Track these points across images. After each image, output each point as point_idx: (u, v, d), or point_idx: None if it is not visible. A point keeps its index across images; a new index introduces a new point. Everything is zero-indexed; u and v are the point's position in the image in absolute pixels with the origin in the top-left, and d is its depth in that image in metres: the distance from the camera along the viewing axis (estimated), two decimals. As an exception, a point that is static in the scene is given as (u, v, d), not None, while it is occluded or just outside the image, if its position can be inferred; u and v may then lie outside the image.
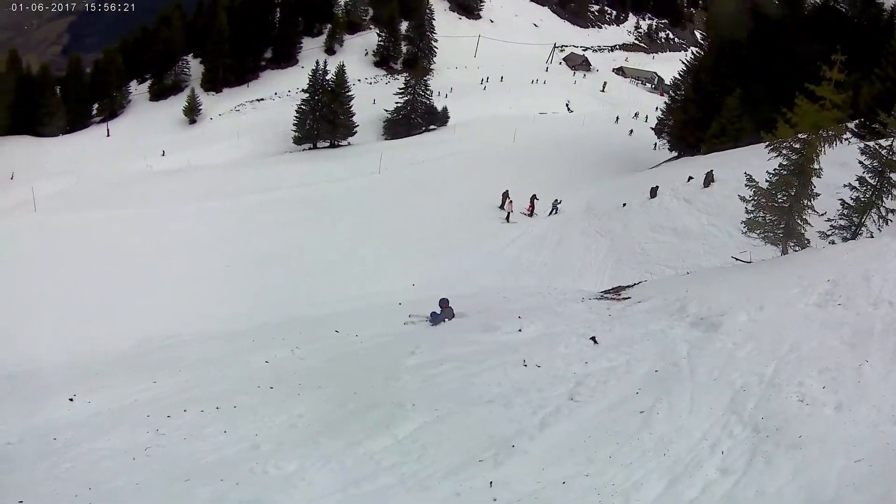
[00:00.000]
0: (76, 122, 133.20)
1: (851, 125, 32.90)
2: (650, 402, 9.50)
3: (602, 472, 7.91)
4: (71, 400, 11.56)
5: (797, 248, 21.65)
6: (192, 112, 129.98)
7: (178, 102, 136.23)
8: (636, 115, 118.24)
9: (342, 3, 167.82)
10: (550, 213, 49.07)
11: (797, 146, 20.87)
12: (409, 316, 18.90)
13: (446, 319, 16.92)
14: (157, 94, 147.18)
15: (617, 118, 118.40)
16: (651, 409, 9.27)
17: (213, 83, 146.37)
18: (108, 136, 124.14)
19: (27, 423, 10.61)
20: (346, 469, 8.67)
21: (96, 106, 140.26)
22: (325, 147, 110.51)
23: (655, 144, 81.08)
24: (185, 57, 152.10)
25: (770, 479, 7.18)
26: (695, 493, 7.24)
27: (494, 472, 8.12)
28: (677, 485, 7.46)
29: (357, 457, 8.98)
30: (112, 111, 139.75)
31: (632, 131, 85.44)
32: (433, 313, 18.60)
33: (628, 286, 21.68)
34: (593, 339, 12.75)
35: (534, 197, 50.78)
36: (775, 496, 6.85)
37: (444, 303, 18.13)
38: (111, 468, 9.06)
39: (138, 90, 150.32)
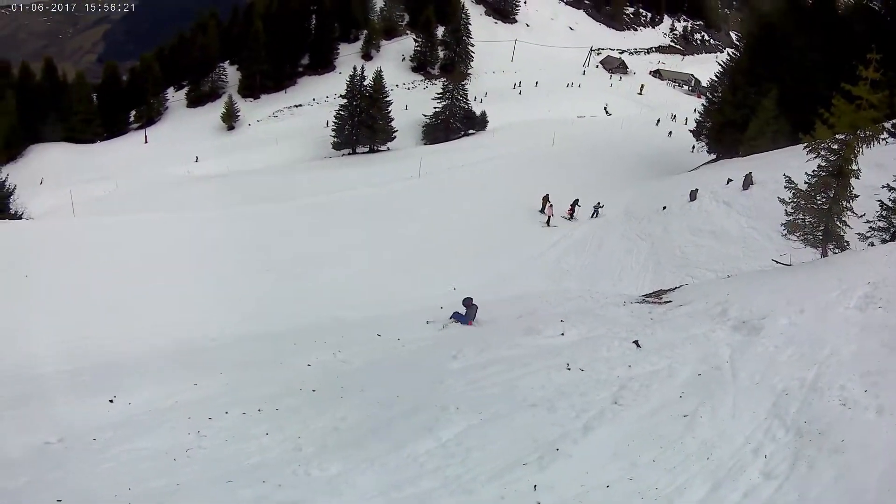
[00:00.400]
0: (114, 128, 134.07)
1: (888, 125, 32.69)
2: (693, 406, 9.56)
3: (645, 476, 7.99)
4: (111, 401, 11.71)
5: (836, 251, 21.54)
6: (230, 118, 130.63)
7: (216, 109, 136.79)
8: (674, 116, 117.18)
9: (378, 8, 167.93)
10: (592, 216, 49.03)
11: (835, 147, 20.79)
12: (427, 322, 18.87)
13: (472, 319, 16.93)
14: (195, 101, 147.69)
15: (658, 121, 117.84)
16: (694, 413, 9.34)
17: (251, 89, 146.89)
18: (146, 142, 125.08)
19: (68, 422, 10.72)
20: (388, 471, 8.78)
21: (133, 113, 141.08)
22: (364, 152, 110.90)
23: (693, 147, 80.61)
24: (221, 64, 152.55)
25: (812, 484, 7.24)
26: (737, 497, 7.31)
27: (538, 476, 8.19)
28: (720, 489, 7.53)
29: (400, 459, 9.08)
30: (149, 118, 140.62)
31: (671, 133, 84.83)
32: (455, 313, 18.75)
33: (669, 290, 21.71)
34: (636, 342, 12.84)
35: (575, 202, 50.74)
36: (817, 501, 6.90)
37: (467, 301, 18.21)
38: (151, 468, 9.21)
39: (175, 97, 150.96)
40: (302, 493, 8.30)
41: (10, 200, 51.20)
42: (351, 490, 8.37)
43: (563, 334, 14.48)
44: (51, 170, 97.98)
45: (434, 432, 9.79)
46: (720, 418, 9.12)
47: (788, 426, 8.55)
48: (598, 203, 49.77)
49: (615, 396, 10.32)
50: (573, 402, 10.29)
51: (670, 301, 18.05)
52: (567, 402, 10.32)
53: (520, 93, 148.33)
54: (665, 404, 9.92)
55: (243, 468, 9.19)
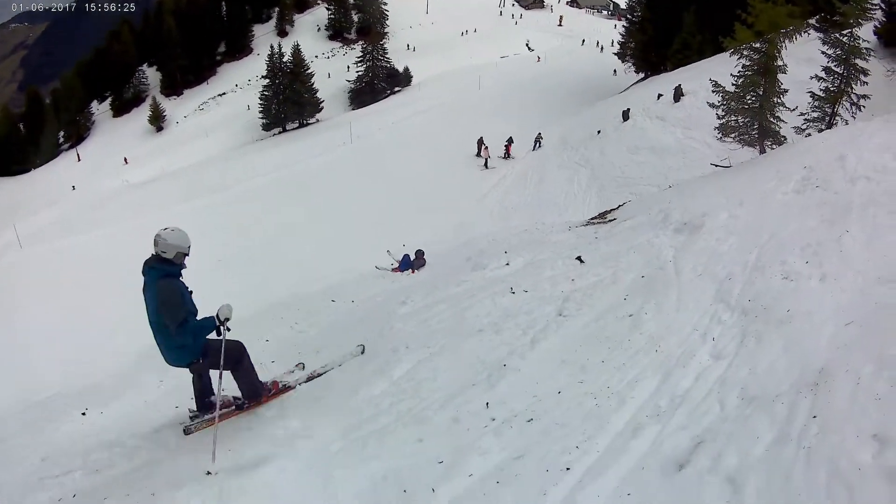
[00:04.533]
0: (46, 153, 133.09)
1: (812, 21, 32.90)
2: (638, 306, 9.56)
3: (596, 377, 7.97)
4: (83, 414, 11.59)
5: (774, 146, 21.74)
6: (158, 120, 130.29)
7: (142, 114, 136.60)
8: (601, 47, 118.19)
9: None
10: (535, 148, 49.96)
11: (758, 45, 20.90)
12: (376, 268, 18.97)
13: (415, 268, 16.88)
14: (120, 110, 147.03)
15: (583, 41, 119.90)
16: (639, 312, 9.33)
17: (173, 87, 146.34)
18: (79, 160, 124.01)
19: (47, 444, 10.64)
20: (346, 415, 8.85)
21: (62, 134, 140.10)
22: (294, 128, 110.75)
23: (615, 70, 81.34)
24: (140, 68, 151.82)
25: (762, 357, 7.16)
26: (689, 382, 7.23)
27: (489, 394, 8.23)
28: (671, 377, 7.45)
29: (356, 404, 9.14)
30: (79, 136, 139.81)
31: (615, 71, 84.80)
32: (405, 257, 18.95)
33: (613, 209, 21.84)
34: (579, 258, 12.88)
35: (510, 140, 51.11)
36: (768, 371, 6.83)
37: (419, 253, 18.32)
38: (132, 460, 9.06)
39: (101, 109, 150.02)
40: (266, 448, 8.35)
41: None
42: (312, 440, 8.43)
43: (507, 264, 14.55)
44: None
45: (386, 373, 9.86)
46: (665, 312, 9.10)
47: (733, 307, 8.53)
48: (539, 134, 50.65)
49: (560, 309, 10.32)
50: (519, 321, 10.31)
51: (615, 219, 18.17)
52: (513, 322, 10.35)
53: (457, 37, 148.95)
54: (610, 308, 9.92)
55: (207, 441, 9.01)
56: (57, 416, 12.10)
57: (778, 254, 9.37)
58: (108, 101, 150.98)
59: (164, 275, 8.72)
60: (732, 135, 22.86)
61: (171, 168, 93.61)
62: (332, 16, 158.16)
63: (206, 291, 25.58)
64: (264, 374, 10.59)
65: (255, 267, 31.21)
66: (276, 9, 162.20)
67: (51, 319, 26.06)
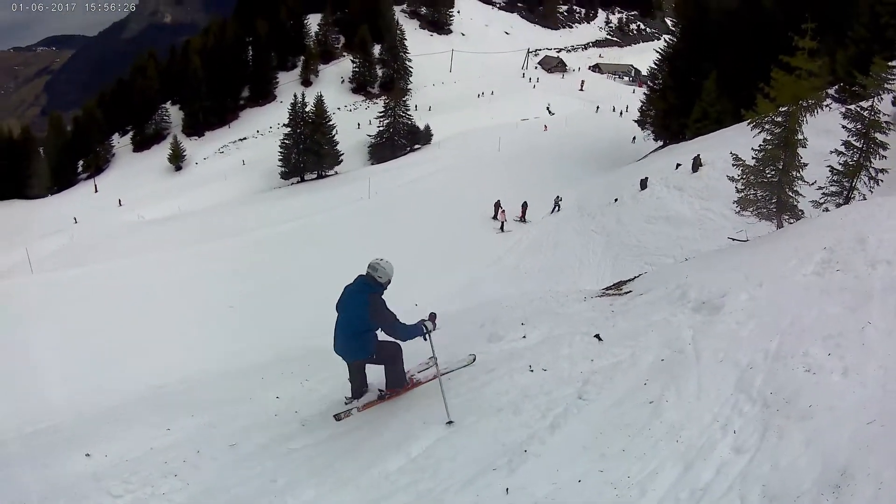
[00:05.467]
0: (63, 180, 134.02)
1: (831, 91, 32.99)
2: (658, 392, 9.41)
3: (616, 466, 7.85)
4: (88, 455, 11.47)
5: (792, 221, 21.67)
6: (177, 159, 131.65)
7: (162, 150, 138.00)
8: (621, 113, 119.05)
9: (313, 33, 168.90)
10: (553, 211, 50.42)
11: (779, 119, 20.92)
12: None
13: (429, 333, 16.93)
14: (140, 145, 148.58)
15: (598, 108, 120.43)
16: (660, 398, 9.19)
17: (194, 127, 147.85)
18: (97, 191, 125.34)
19: (49, 481, 10.49)
20: (361, 491, 8.68)
21: (81, 163, 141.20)
22: (312, 179, 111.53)
23: (634, 138, 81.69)
24: (163, 105, 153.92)
25: (784, 453, 7.07)
26: (710, 475, 7.18)
27: (509, 479, 8.06)
28: (692, 469, 7.39)
29: (372, 479, 8.97)
30: (97, 166, 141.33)
31: (634, 138, 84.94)
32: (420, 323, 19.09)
33: (629, 280, 21.69)
34: (597, 336, 12.67)
35: (524, 204, 51.34)
36: (790, 468, 6.76)
37: (432, 317, 18.32)
38: None
39: (121, 142, 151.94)
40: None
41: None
42: (325, 514, 8.16)
43: (524, 337, 14.37)
44: (4, 228, 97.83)
45: (403, 449, 9.71)
46: (686, 400, 8.98)
47: (755, 399, 8.41)
48: (558, 197, 51.10)
49: (579, 392, 10.18)
50: (538, 402, 10.16)
51: (630, 291, 17.97)
52: (532, 403, 10.19)
53: (479, 96, 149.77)
54: (630, 393, 9.77)
55: (221, 505, 8.93)
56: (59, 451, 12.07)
57: (800, 343, 9.26)
58: (130, 134, 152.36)
59: (374, 292, 11.23)
60: (750, 208, 22.82)
61: (188, 208, 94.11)
62: (356, 69, 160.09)
63: (216, 336, 25.67)
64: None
65: (267, 315, 31.23)
66: (302, 58, 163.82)
67: (57, 345, 26.07)
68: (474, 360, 13.26)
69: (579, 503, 7.34)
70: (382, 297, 11.36)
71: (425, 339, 11.51)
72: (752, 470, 7.00)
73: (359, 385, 12.49)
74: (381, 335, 11.56)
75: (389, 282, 11.52)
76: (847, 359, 8.40)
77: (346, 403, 12.59)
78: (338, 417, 11.93)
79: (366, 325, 11.21)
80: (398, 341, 11.69)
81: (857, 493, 5.90)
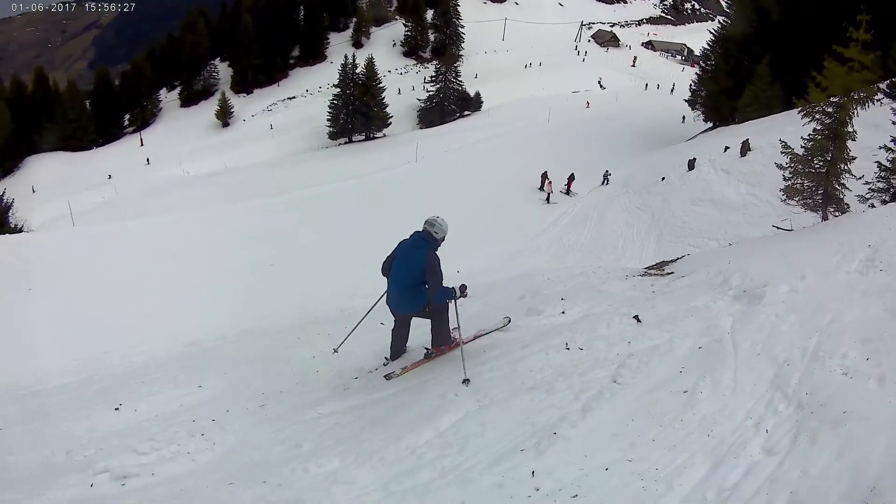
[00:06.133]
0: (109, 134, 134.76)
1: (883, 86, 32.61)
2: (693, 381, 9.34)
3: (645, 456, 7.80)
4: (117, 409, 11.60)
5: (837, 214, 21.53)
6: (225, 115, 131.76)
7: (210, 107, 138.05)
8: (672, 89, 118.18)
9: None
10: (602, 184, 50.48)
11: (830, 110, 20.77)
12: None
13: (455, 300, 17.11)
14: (188, 100, 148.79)
15: (646, 85, 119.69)
16: (694, 389, 9.12)
17: (243, 85, 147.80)
18: (142, 145, 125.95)
19: (75, 434, 10.65)
20: (386, 465, 8.68)
21: (128, 117, 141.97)
22: (360, 140, 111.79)
23: (684, 117, 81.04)
24: (212, 61, 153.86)
25: (814, 459, 6.97)
26: (738, 475, 7.09)
27: (536, 462, 8.04)
28: (721, 467, 7.32)
29: (398, 452, 8.99)
30: (144, 120, 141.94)
31: (684, 118, 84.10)
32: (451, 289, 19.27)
33: (671, 261, 21.67)
34: (636, 317, 12.65)
35: (571, 176, 51.19)
36: (819, 478, 6.62)
37: (462, 288, 18.58)
38: (155, 475, 9.12)
39: (168, 98, 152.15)
40: (300, 491, 8.20)
41: (10, 214, 51.24)
42: (349, 486, 8.27)
43: (563, 313, 14.32)
44: (48, 180, 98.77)
45: (432, 422, 9.69)
46: (721, 393, 8.90)
47: (790, 398, 8.30)
48: (607, 171, 50.80)
49: (614, 375, 10.12)
50: (572, 382, 10.11)
51: (672, 272, 17.95)
52: (566, 383, 10.14)
53: (526, 66, 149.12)
54: (665, 380, 9.69)
55: (245, 468, 9.06)
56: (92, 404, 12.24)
57: (839, 344, 9.14)
58: (178, 90, 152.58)
59: (432, 248, 11.76)
60: (797, 198, 22.68)
61: (234, 165, 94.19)
62: (408, 32, 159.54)
63: (258, 293, 25.80)
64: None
65: (307, 275, 31.28)
66: (354, 19, 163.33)
67: (93, 299, 26.29)
68: (509, 321, 13.91)
69: (605, 493, 7.31)
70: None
71: (451, 302, 12.18)
72: (782, 475, 6.90)
73: (400, 345, 13.11)
74: None
75: (444, 238, 12.02)
76: (884, 365, 8.27)
77: (384, 365, 13.06)
78: (388, 377, 12.29)
79: (421, 278, 11.65)
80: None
81: (885, 514, 5.86)
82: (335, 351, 13.99)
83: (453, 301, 12.12)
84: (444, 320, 12.56)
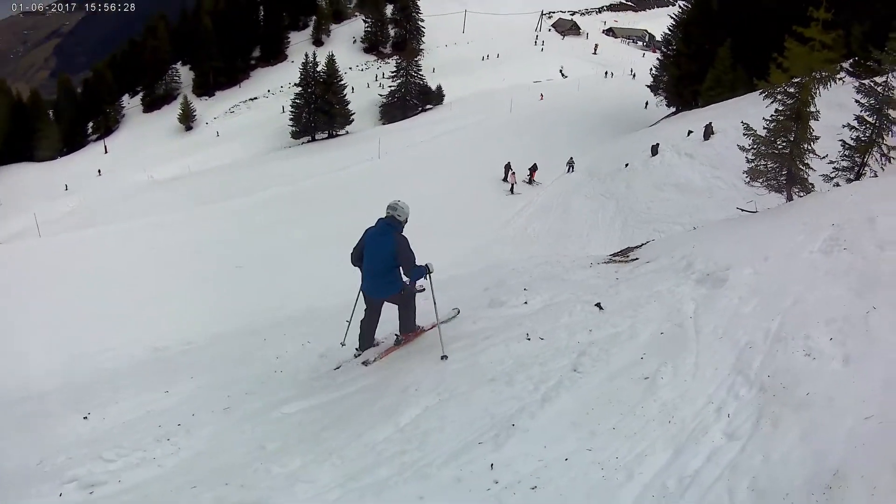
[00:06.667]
0: (73, 142, 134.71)
1: (845, 65, 32.78)
2: (654, 367, 9.19)
3: (605, 445, 7.66)
4: (86, 418, 11.49)
5: (802, 194, 21.56)
6: (187, 119, 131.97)
7: (172, 111, 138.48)
8: (634, 74, 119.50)
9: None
10: (567, 172, 50.77)
11: (791, 90, 20.79)
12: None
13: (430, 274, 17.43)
14: (150, 105, 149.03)
15: (606, 73, 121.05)
16: (655, 375, 8.97)
17: (205, 87, 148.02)
18: (106, 152, 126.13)
19: (46, 443, 10.58)
20: (346, 462, 8.56)
21: (91, 124, 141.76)
22: (323, 138, 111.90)
23: (647, 103, 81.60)
24: (174, 65, 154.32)
25: (777, 444, 6.81)
26: (700, 462, 6.92)
27: (495, 454, 7.90)
28: (682, 454, 7.15)
29: (359, 449, 8.85)
30: (107, 128, 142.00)
31: (647, 104, 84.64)
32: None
33: (636, 247, 21.72)
34: (598, 305, 12.55)
35: (534, 166, 51.53)
36: (781, 462, 6.46)
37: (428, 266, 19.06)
38: (121, 482, 9.01)
39: (131, 103, 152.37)
40: (262, 492, 8.03)
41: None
42: (309, 485, 8.12)
43: (526, 303, 14.25)
44: (13, 191, 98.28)
45: (393, 417, 9.55)
46: (681, 378, 8.75)
47: (752, 381, 8.16)
48: (571, 159, 51.23)
49: (574, 364, 9.94)
50: (531, 373, 9.95)
51: (637, 259, 17.94)
52: (525, 374, 9.98)
53: (484, 59, 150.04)
54: (625, 367, 9.55)
55: (209, 471, 8.95)
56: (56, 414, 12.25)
57: (802, 325, 9.00)
58: (140, 95, 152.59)
59: (398, 230, 12.16)
60: (760, 179, 22.68)
61: (198, 168, 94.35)
62: (368, 28, 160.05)
63: (226, 296, 25.80)
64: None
65: (273, 276, 31.55)
66: (314, 17, 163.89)
67: (59, 307, 26.30)
68: (458, 313, 14.60)
69: (564, 483, 7.14)
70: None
71: (426, 279, 12.61)
72: (743, 460, 6.74)
73: (369, 335, 13.47)
74: None
75: (407, 220, 12.46)
76: (849, 345, 8.10)
77: (355, 357, 13.36)
78: (366, 363, 12.85)
79: (393, 262, 12.10)
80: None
81: (849, 498, 5.66)
82: (343, 344, 13.78)
83: (428, 276, 12.51)
84: (412, 307, 13.19)
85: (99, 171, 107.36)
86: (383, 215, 11.98)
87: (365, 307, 13.28)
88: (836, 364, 7.92)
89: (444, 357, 11.55)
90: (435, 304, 13.04)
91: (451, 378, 10.59)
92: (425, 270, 12.28)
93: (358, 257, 12.66)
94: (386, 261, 12.12)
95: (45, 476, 9.21)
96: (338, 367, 13.00)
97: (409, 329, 13.32)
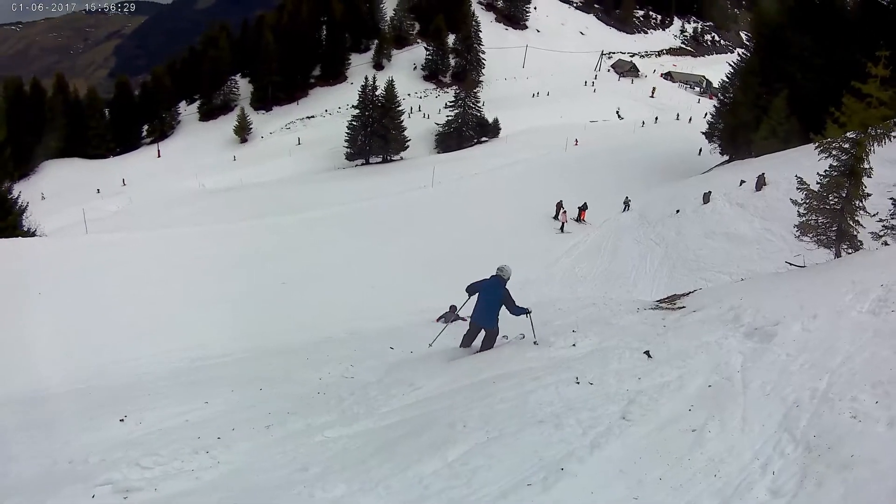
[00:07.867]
0: (126, 143, 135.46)
1: (900, 121, 32.65)
2: (702, 420, 9.30)
3: (652, 495, 7.72)
4: (122, 420, 11.60)
5: (850, 251, 21.40)
6: (243, 131, 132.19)
7: (229, 122, 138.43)
8: (686, 119, 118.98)
9: (388, 18, 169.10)
10: (623, 211, 50.68)
11: (846, 146, 20.69)
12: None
13: (448, 320, 20.50)
14: (207, 114, 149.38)
15: (656, 119, 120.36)
16: (703, 428, 9.07)
17: (263, 102, 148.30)
18: (159, 156, 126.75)
19: (79, 443, 10.68)
20: (392, 493, 8.54)
21: (146, 127, 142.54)
22: (377, 162, 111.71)
23: (700, 150, 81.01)
24: (233, 76, 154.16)
25: (820, 502, 6.94)
26: (743, 518, 7.09)
27: (543, 497, 7.93)
28: (727, 509, 7.27)
29: (405, 480, 8.84)
30: (162, 132, 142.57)
31: (700, 150, 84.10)
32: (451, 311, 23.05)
33: (683, 294, 21.65)
34: (647, 353, 12.66)
35: (584, 206, 51.42)
36: None
37: (452, 308, 22.33)
38: (159, 490, 9.03)
39: (188, 111, 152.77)
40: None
41: (24, 217, 51.37)
42: (356, 515, 8.09)
43: (574, 345, 14.43)
44: (63, 186, 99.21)
45: (441, 451, 9.56)
46: (729, 432, 8.85)
47: (798, 440, 8.25)
48: (627, 198, 51.28)
49: (624, 411, 10.05)
50: (581, 417, 10.02)
51: (684, 307, 17.93)
52: (575, 417, 10.04)
53: (534, 96, 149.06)
54: (674, 418, 9.64)
55: (249, 490, 8.97)
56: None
57: (849, 386, 9.10)
58: (197, 103, 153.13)
59: (505, 284, 16.28)
60: (810, 234, 22.60)
61: (249, 181, 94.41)
62: (429, 56, 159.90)
63: (268, 311, 25.81)
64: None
65: (318, 294, 31.60)
66: (376, 41, 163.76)
67: (100, 310, 26.58)
68: (523, 337, 16.92)
69: (610, 530, 7.24)
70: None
71: (527, 317, 16.26)
72: None
73: (469, 343, 17.03)
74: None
75: (510, 277, 16.58)
76: (894, 409, 8.21)
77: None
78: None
79: (499, 305, 16.09)
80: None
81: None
82: (430, 346, 17.28)
83: (528, 315, 16.19)
84: (494, 338, 16.68)
85: (123, 180, 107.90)
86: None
87: (469, 328, 16.99)
88: (881, 427, 8.02)
89: (535, 342, 15.58)
90: (533, 329, 16.10)
91: (500, 416, 10.66)
92: (525, 310, 16.14)
93: (472, 290, 16.62)
94: (497, 303, 16.02)
95: (76, 476, 9.29)
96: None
97: (487, 349, 16.52)
